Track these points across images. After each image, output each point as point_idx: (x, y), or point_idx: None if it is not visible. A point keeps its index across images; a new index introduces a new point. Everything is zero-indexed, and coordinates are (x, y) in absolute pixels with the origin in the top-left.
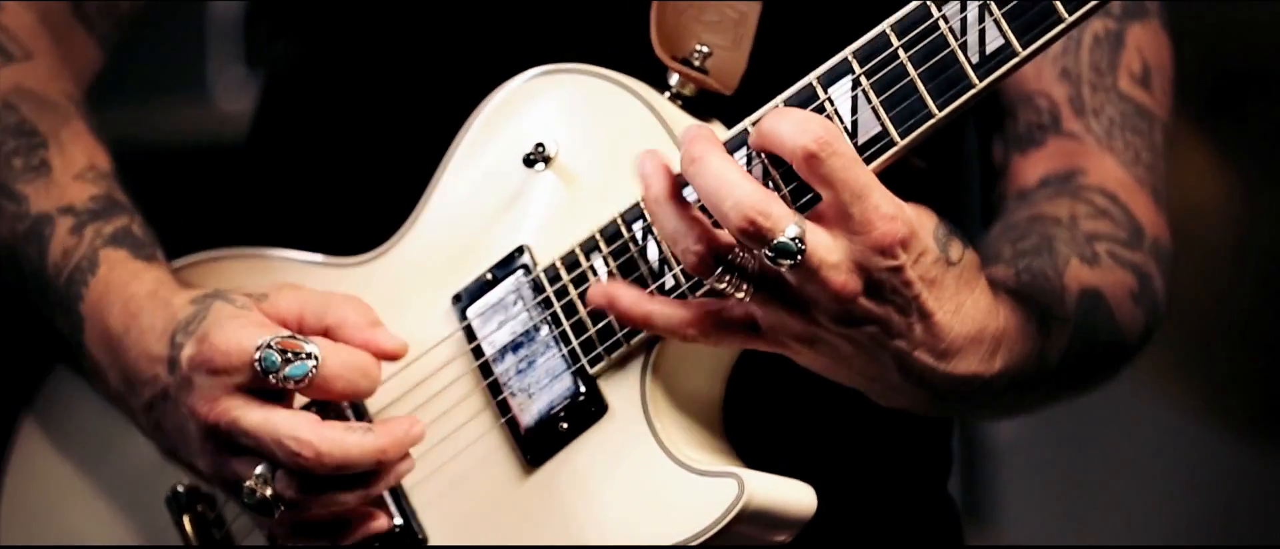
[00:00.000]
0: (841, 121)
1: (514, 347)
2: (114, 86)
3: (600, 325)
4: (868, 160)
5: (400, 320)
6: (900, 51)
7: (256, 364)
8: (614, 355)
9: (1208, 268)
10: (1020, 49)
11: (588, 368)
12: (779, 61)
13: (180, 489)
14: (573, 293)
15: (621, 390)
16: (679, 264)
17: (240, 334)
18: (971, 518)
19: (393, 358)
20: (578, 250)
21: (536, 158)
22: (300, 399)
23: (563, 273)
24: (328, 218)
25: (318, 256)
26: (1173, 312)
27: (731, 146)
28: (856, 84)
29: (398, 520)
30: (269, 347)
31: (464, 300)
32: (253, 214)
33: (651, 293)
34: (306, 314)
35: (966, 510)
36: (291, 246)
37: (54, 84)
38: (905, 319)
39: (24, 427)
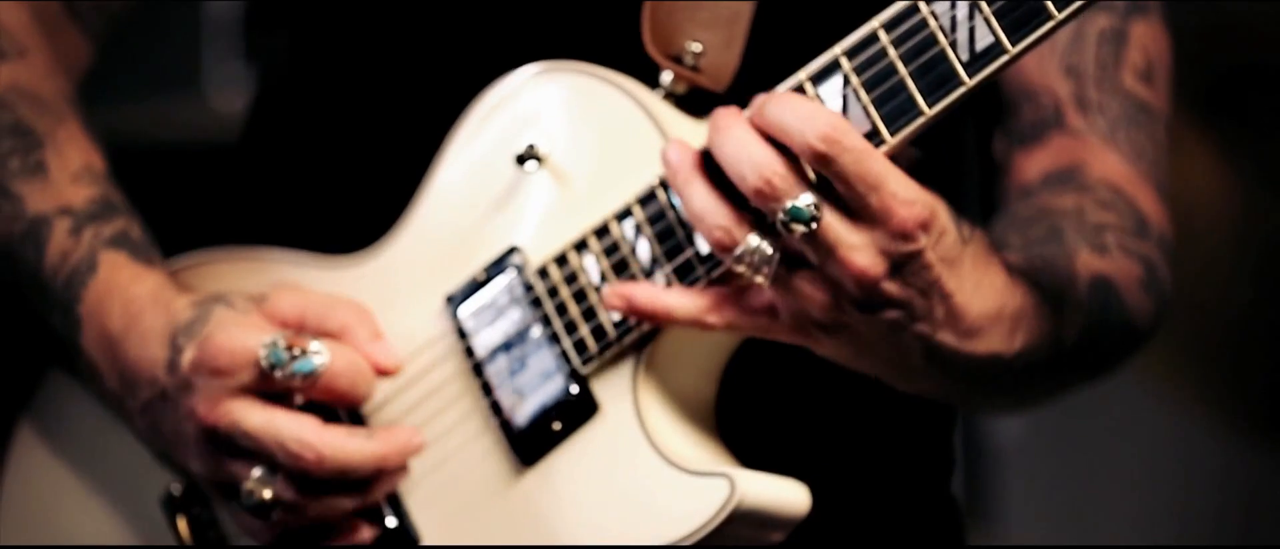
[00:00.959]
0: None
1: (506, 346)
2: (108, 85)
3: (592, 325)
4: None
5: (393, 319)
6: (890, 49)
7: (262, 360)
8: (606, 355)
9: (1207, 267)
10: (1010, 47)
11: (580, 368)
12: (771, 60)
13: (174, 491)
14: (564, 292)
15: (613, 390)
16: (670, 263)
17: (243, 336)
18: (973, 517)
19: (388, 374)
20: (569, 250)
21: (529, 157)
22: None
23: (554, 272)
24: (321, 216)
25: (311, 255)
26: (1172, 311)
27: None
28: (846, 82)
29: (392, 521)
30: (275, 343)
31: (456, 300)
32: (246, 213)
33: (667, 286)
34: (308, 316)
35: (968, 510)
36: (285, 245)
37: (48, 82)
38: (927, 301)
39: (21, 431)
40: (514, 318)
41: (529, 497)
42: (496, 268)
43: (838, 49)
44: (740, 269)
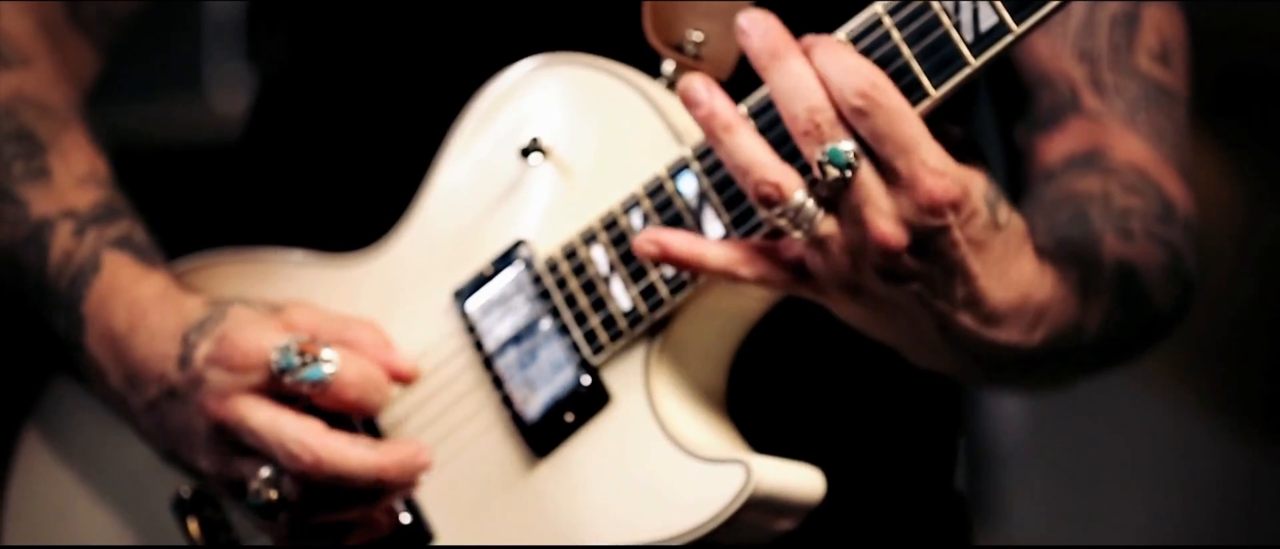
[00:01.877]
0: None
1: (516, 339)
2: (109, 85)
3: (602, 315)
4: None
5: (400, 316)
6: (893, 31)
7: (273, 364)
8: (617, 345)
9: (1211, 267)
10: (1014, 26)
11: (591, 358)
12: None
13: (184, 494)
14: (573, 284)
15: (625, 380)
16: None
17: (259, 335)
18: (975, 517)
19: (406, 381)
20: (577, 241)
21: (532, 150)
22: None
23: (563, 264)
24: (324, 215)
25: (315, 254)
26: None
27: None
28: None
29: (406, 517)
30: (288, 348)
31: (464, 294)
32: (248, 213)
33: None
34: (322, 330)
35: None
36: (288, 245)
37: (53, 90)
38: (949, 280)
39: (26, 437)
40: (523, 311)
41: (543, 489)
42: (504, 261)
43: (840, 32)
44: (782, 223)
